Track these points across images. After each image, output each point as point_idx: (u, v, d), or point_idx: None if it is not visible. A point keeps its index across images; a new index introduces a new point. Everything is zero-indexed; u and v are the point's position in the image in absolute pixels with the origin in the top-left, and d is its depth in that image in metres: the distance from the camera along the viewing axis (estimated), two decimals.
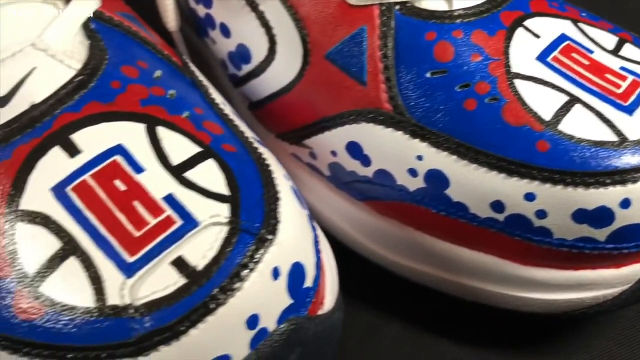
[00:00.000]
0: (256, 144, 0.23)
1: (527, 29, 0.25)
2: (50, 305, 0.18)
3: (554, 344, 0.27)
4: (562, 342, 0.27)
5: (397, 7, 0.24)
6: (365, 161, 0.25)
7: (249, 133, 0.24)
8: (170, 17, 0.28)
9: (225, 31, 0.27)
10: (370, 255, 0.28)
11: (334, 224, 0.28)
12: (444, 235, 0.25)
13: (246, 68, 0.28)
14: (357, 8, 0.25)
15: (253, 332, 0.19)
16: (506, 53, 0.24)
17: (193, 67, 0.26)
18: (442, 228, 0.25)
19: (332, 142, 0.26)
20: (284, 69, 0.26)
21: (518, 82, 0.24)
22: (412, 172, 0.24)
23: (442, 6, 0.25)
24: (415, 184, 0.24)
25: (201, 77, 0.26)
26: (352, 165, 0.26)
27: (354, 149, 0.25)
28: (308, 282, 0.21)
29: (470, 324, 0.27)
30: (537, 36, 0.25)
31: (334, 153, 0.26)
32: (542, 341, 0.27)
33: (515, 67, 0.24)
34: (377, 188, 0.26)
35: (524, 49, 0.24)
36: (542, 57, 0.24)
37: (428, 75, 0.24)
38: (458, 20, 0.24)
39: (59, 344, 0.18)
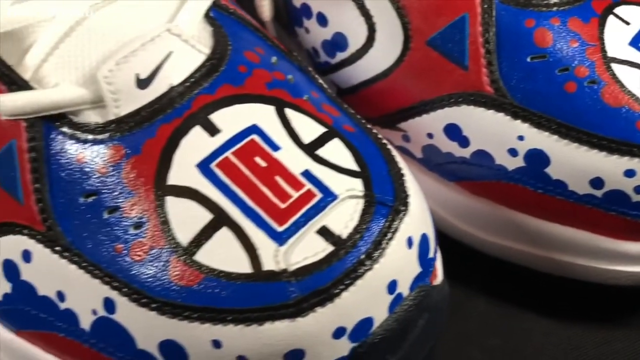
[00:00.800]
0: (369, 125, 0.24)
1: (617, 16, 0.26)
2: (207, 272, 0.20)
3: None
4: None
5: None
6: (464, 142, 0.26)
7: (358, 115, 0.25)
8: (265, 7, 0.29)
9: (322, 20, 0.29)
10: (458, 235, 0.29)
11: None
12: (538, 212, 0.27)
13: (340, 56, 0.29)
14: None
15: (392, 296, 0.20)
16: (601, 39, 0.26)
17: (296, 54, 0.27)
18: (537, 205, 0.26)
19: (429, 124, 0.27)
20: (381, 56, 0.28)
21: (615, 66, 0.25)
22: (512, 152, 0.26)
23: None
24: (514, 163, 0.26)
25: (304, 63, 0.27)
26: (449, 146, 0.27)
27: (452, 130, 0.27)
28: (431, 253, 0.22)
29: (558, 298, 0.29)
30: (627, 23, 0.26)
31: (430, 135, 0.27)
32: (632, 314, 0.28)
33: (610, 52, 0.25)
34: (472, 168, 0.27)
35: (617, 35, 0.26)
36: (634, 43, 0.26)
37: (528, 59, 0.25)
38: (554, 9, 0.26)
39: (219, 307, 0.19)
